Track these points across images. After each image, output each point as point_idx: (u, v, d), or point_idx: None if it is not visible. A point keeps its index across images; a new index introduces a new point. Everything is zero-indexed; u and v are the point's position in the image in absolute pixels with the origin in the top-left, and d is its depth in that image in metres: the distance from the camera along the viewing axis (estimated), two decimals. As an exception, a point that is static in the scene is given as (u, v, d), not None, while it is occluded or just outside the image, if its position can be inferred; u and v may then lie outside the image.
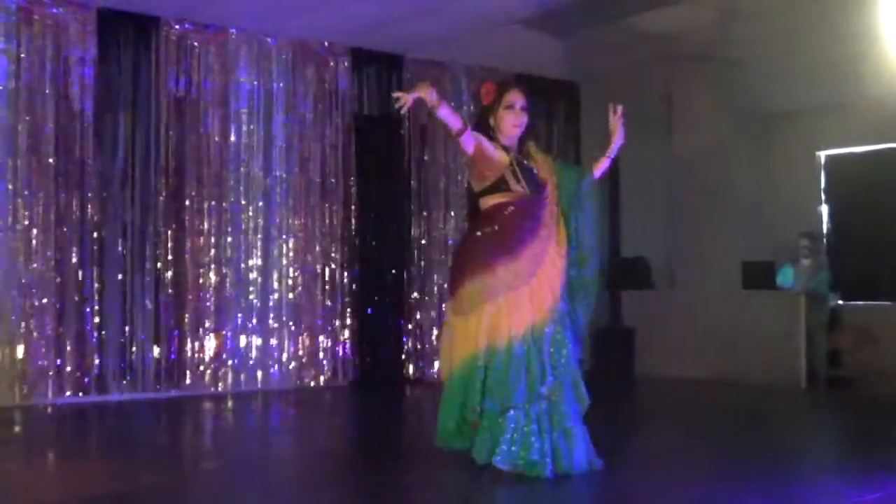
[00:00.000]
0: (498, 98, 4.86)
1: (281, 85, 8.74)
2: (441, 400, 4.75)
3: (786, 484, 4.54)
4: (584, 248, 4.86)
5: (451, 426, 4.68)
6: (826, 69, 9.50)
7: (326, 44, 8.94)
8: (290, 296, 8.67)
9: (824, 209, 11.34)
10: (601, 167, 5.04)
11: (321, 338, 8.79)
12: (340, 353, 8.89)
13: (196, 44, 8.33)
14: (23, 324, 7.46)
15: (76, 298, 7.67)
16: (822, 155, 11.38)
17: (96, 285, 7.76)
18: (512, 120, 4.83)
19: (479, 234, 4.78)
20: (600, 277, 5.02)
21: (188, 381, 8.11)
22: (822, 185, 11.36)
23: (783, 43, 8.79)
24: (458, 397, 4.62)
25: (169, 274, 8.08)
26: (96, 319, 7.74)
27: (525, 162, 4.87)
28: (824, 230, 11.22)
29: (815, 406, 8.25)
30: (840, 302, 10.25)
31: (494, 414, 4.53)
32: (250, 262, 8.50)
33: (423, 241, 9.42)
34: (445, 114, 4.60)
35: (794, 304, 9.56)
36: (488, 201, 4.81)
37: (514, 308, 4.58)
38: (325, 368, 8.81)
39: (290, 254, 8.71)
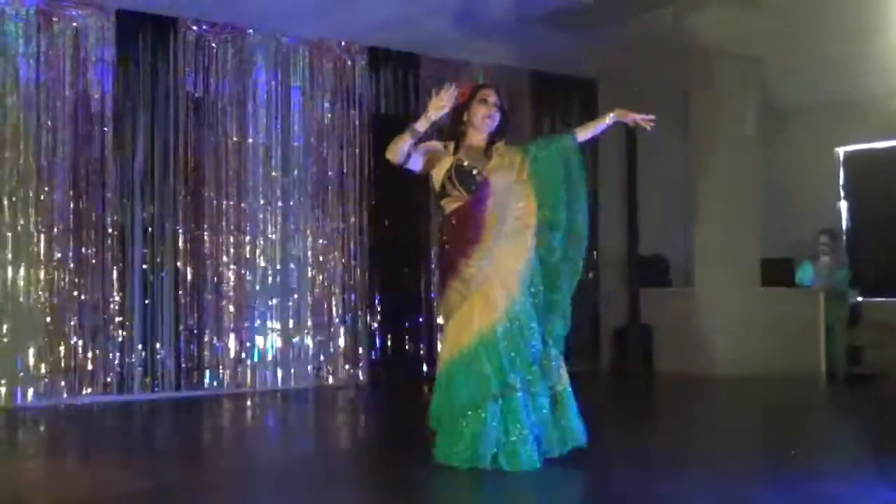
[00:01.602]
0: (472, 94, 4.99)
1: (298, 84, 8.76)
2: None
3: (810, 481, 4.52)
4: (574, 230, 5.01)
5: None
6: (845, 65, 9.46)
7: (343, 43, 8.96)
8: (309, 295, 8.70)
9: (844, 205, 11.27)
10: (590, 130, 5.17)
11: (340, 337, 8.81)
12: (359, 351, 8.90)
13: (214, 44, 8.36)
14: (44, 323, 7.51)
15: (97, 298, 7.72)
16: (842, 151, 11.31)
17: (116, 285, 7.80)
18: (483, 111, 4.94)
19: (441, 244, 5.03)
20: (583, 262, 5.09)
21: (208, 381, 8.15)
22: (842, 181, 11.30)
23: (802, 39, 8.76)
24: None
25: (188, 273, 8.12)
26: (117, 319, 7.79)
27: (465, 164, 4.89)
28: (844, 227, 11.16)
29: (835, 403, 8.21)
30: (860, 298, 10.19)
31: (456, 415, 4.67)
32: (269, 262, 8.52)
33: (442, 240, 9.40)
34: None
35: (813, 301, 9.54)
36: (445, 205, 4.95)
37: (468, 316, 4.73)
38: (344, 367, 8.83)
39: (309, 253, 8.73)
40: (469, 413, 4.60)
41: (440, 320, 5.07)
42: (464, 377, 4.65)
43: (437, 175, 4.91)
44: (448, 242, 4.89)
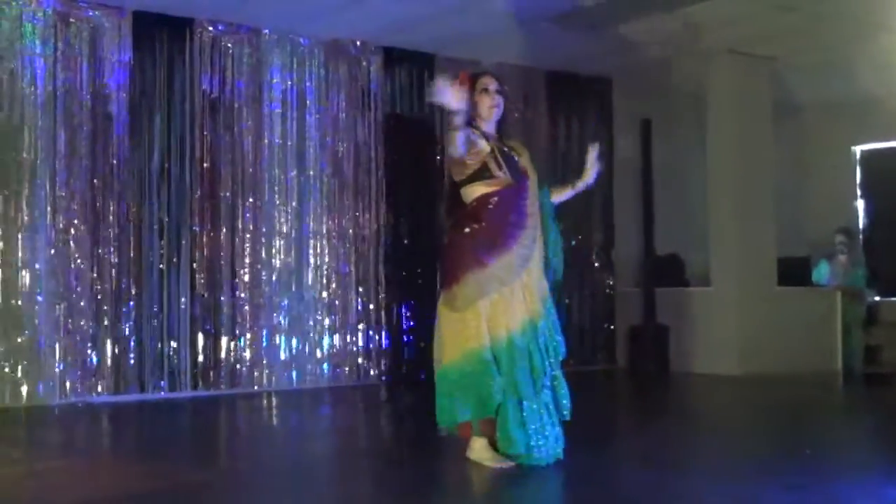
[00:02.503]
0: (472, 85, 4.84)
1: (313, 85, 8.78)
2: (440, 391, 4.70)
3: (825, 482, 4.50)
4: (549, 266, 4.85)
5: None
6: (861, 63, 9.43)
7: (358, 43, 8.97)
8: (324, 294, 8.72)
9: (860, 204, 11.24)
10: (562, 195, 5.11)
11: (355, 336, 8.83)
12: (374, 351, 8.92)
13: (230, 45, 8.39)
14: (61, 322, 7.55)
15: (113, 297, 7.76)
16: (858, 150, 11.28)
17: (133, 284, 7.84)
18: (488, 102, 4.83)
19: (466, 230, 4.73)
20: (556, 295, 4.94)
21: (223, 380, 8.17)
22: (858, 180, 11.26)
23: (818, 37, 8.73)
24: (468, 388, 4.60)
25: (204, 273, 8.15)
26: (133, 318, 7.82)
27: (506, 149, 4.85)
28: (860, 226, 11.12)
29: (851, 403, 8.18)
30: (876, 298, 10.17)
31: (505, 407, 4.57)
32: (284, 261, 8.55)
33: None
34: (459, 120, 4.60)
35: (830, 301, 9.53)
36: (471, 192, 4.77)
37: (509, 303, 4.62)
38: (360, 366, 8.85)
39: (324, 252, 8.75)
40: (525, 401, 4.58)
41: (442, 307, 4.75)
42: (524, 360, 4.60)
43: (476, 157, 4.73)
44: (478, 232, 4.67)
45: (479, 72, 5.08)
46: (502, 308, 4.62)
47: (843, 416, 7.41)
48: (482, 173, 4.73)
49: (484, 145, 4.76)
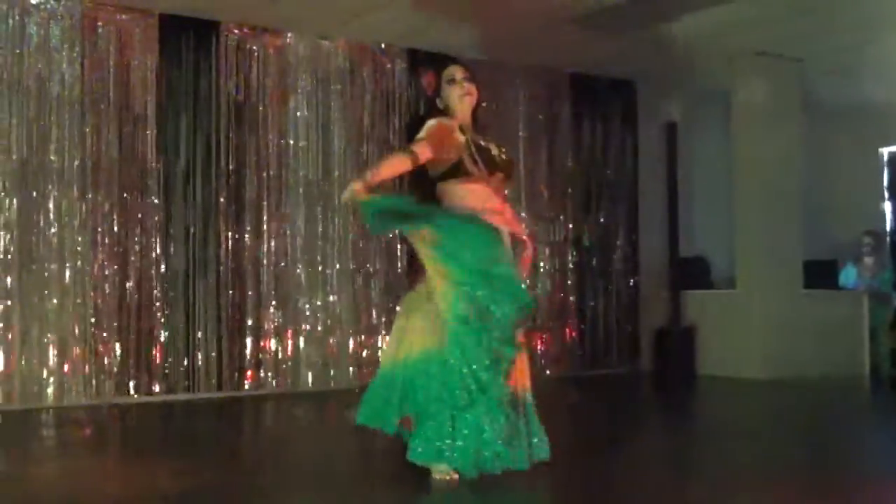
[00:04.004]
0: (438, 79, 4.68)
1: (338, 87, 8.80)
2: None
3: (852, 487, 4.47)
4: None
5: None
6: (888, 64, 9.36)
7: (383, 45, 8.99)
8: (350, 296, 8.72)
9: (887, 206, 11.15)
10: None
11: (379, 338, 8.84)
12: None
13: (255, 47, 8.43)
14: (88, 324, 7.60)
15: (139, 299, 7.80)
16: (885, 151, 11.19)
17: (158, 286, 7.88)
18: (458, 91, 4.60)
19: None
20: None
21: (249, 381, 8.20)
22: (885, 181, 11.18)
23: (845, 38, 8.67)
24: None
25: (230, 275, 8.18)
26: (160, 320, 7.87)
27: (482, 142, 4.56)
28: (887, 228, 11.04)
29: (879, 406, 8.12)
30: (904, 301, 10.08)
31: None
32: (309, 263, 8.57)
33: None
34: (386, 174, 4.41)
35: (856, 304, 9.46)
36: (451, 187, 4.51)
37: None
38: (384, 368, 8.84)
39: (349, 254, 8.76)
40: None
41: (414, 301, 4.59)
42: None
43: (448, 149, 4.45)
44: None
45: (443, 64, 4.81)
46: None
47: (870, 419, 7.35)
48: (457, 169, 4.47)
49: (458, 136, 4.48)
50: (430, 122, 4.53)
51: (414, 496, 4.33)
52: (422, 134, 4.49)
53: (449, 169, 4.48)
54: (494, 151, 4.59)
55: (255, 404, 7.81)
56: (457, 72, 4.66)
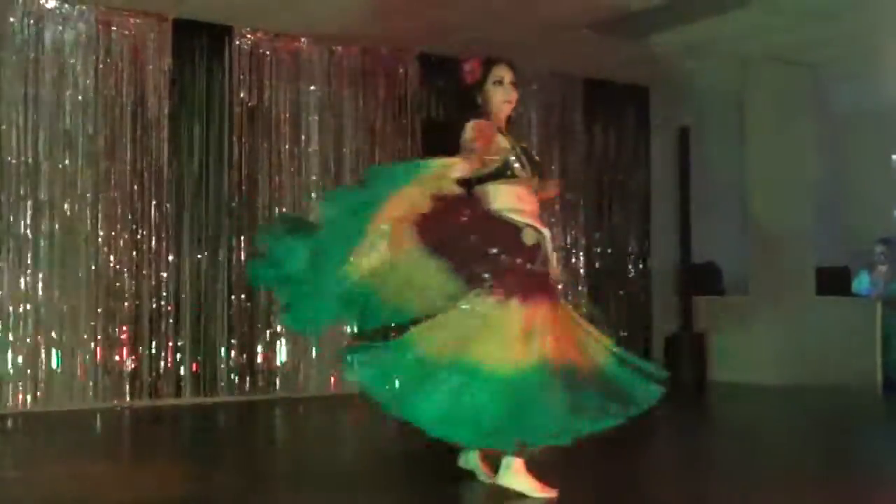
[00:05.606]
0: (485, 74, 4.45)
1: (351, 92, 8.82)
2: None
3: (864, 495, 4.46)
4: None
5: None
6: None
7: (395, 50, 9.00)
8: (361, 301, 8.72)
9: (901, 213, 11.10)
10: None
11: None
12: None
13: (268, 52, 8.45)
14: (100, 327, 7.63)
15: (152, 303, 7.83)
16: (899, 158, 11.15)
17: (171, 290, 7.91)
18: (502, 96, 4.43)
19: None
20: None
21: (261, 385, 8.22)
22: (899, 188, 11.13)
23: (857, 44, 8.65)
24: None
25: (242, 279, 8.19)
26: (172, 324, 7.89)
27: (523, 145, 4.51)
28: (901, 235, 10.98)
29: (891, 414, 8.08)
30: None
31: None
32: (321, 268, 8.56)
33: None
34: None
35: (869, 311, 9.41)
36: (491, 190, 4.35)
37: None
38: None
39: (361, 259, 8.75)
40: None
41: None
42: None
43: (493, 152, 4.30)
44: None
45: (494, 60, 4.53)
46: None
47: (882, 427, 7.33)
48: (503, 172, 4.32)
49: (501, 139, 4.37)
50: (480, 123, 4.36)
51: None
52: (467, 135, 4.32)
53: (495, 171, 4.33)
54: (537, 158, 4.55)
55: (268, 408, 7.82)
56: (506, 74, 4.48)
